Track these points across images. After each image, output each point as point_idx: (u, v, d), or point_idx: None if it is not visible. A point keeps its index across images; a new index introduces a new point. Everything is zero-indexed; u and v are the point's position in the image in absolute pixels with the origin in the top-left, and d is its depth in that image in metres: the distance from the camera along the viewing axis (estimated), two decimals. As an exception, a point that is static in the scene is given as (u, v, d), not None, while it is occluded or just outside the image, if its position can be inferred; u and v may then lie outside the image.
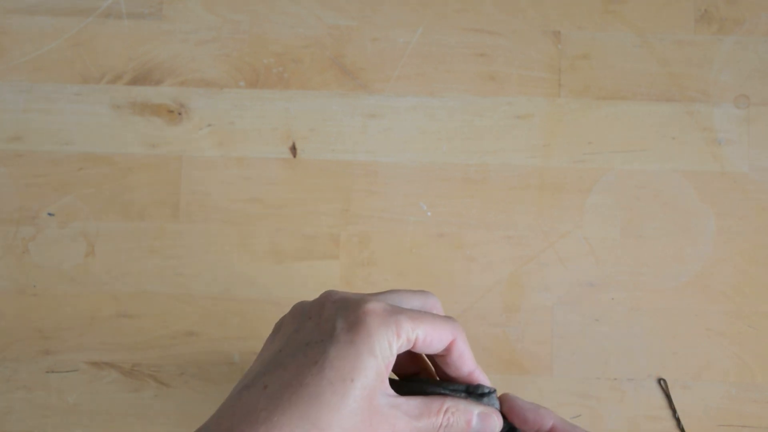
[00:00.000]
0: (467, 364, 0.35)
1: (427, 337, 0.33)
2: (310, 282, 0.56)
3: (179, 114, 0.57)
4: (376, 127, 0.57)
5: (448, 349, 0.34)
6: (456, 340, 0.34)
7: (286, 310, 0.56)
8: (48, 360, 0.56)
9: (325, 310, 0.33)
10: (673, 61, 0.58)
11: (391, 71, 0.58)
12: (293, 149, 0.57)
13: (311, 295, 0.56)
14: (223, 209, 0.57)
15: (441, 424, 0.33)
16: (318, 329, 0.32)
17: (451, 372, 0.35)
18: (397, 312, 0.32)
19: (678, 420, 0.56)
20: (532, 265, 0.57)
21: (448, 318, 0.34)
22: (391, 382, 0.34)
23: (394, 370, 0.37)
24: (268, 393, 0.30)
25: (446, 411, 0.33)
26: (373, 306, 0.32)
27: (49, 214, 0.57)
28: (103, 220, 0.57)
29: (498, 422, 0.34)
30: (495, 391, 0.36)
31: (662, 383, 0.56)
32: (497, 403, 0.35)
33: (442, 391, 0.34)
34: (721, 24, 0.58)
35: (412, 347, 0.33)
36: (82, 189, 0.57)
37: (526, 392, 0.55)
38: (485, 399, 0.35)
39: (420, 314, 0.33)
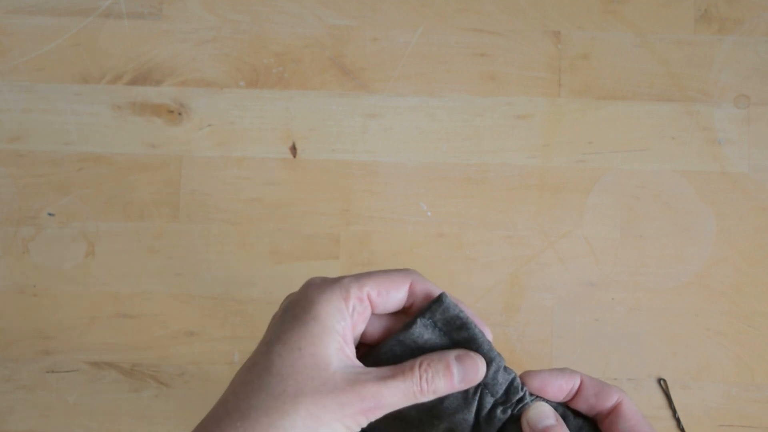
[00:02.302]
0: (434, 293, 0.34)
1: (381, 291, 0.32)
2: (310, 282, 0.56)
3: (179, 114, 0.57)
4: (376, 127, 0.57)
5: (409, 296, 0.33)
6: (413, 283, 0.33)
7: (286, 310, 0.56)
8: (48, 360, 0.56)
9: (287, 298, 0.34)
10: (673, 61, 0.58)
11: (391, 71, 0.58)
12: (293, 149, 0.57)
13: (311, 295, 0.56)
14: (223, 209, 0.57)
15: (420, 378, 0.31)
16: (276, 316, 0.33)
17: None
18: (340, 278, 0.32)
19: (678, 420, 0.56)
20: (532, 265, 0.57)
21: (402, 270, 0.33)
22: (366, 356, 0.33)
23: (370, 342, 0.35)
24: (233, 384, 0.31)
25: (420, 365, 0.31)
26: (314, 279, 0.32)
27: (49, 214, 0.57)
28: (103, 220, 0.57)
29: (481, 365, 0.32)
30: (442, 296, 0.34)
31: (662, 383, 0.56)
32: (443, 307, 0.33)
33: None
34: (721, 24, 0.58)
35: (373, 308, 0.32)
36: (82, 189, 0.57)
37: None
38: (492, 353, 0.33)
39: (366, 273, 0.32)
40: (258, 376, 0.30)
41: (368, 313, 0.32)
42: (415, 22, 0.58)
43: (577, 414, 0.34)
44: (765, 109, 0.58)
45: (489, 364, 0.33)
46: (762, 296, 0.56)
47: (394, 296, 0.32)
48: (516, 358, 0.56)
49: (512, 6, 0.58)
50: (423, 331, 0.33)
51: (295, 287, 0.57)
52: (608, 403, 0.33)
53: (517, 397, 0.33)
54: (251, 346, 0.56)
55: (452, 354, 0.32)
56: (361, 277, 0.32)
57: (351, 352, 0.31)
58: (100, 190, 0.57)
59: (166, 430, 0.55)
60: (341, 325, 0.31)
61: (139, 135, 0.57)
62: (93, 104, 0.57)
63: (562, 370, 0.33)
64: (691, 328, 0.56)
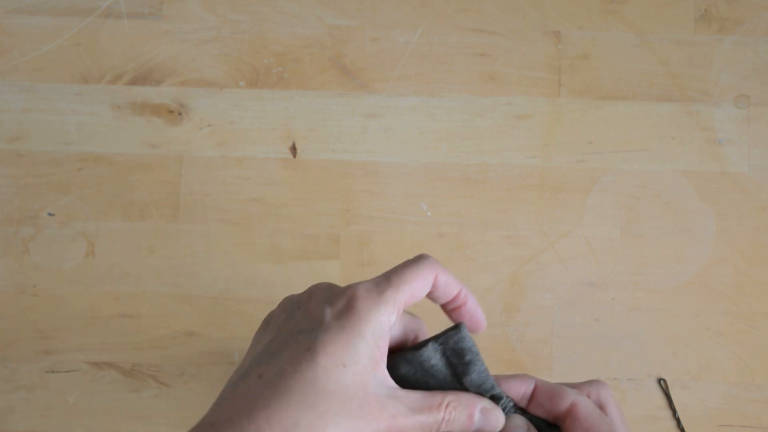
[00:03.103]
0: (453, 287, 0.35)
1: (414, 292, 0.33)
2: (310, 282, 0.56)
3: (179, 114, 0.57)
4: (376, 127, 0.57)
5: (434, 286, 0.34)
6: (437, 275, 0.34)
7: (286, 310, 0.56)
8: (48, 360, 0.56)
9: (314, 299, 0.34)
10: (673, 61, 0.58)
11: (391, 71, 0.58)
12: (293, 149, 0.57)
13: (311, 295, 0.56)
14: (223, 209, 0.57)
15: (443, 419, 0.32)
16: (308, 318, 0.33)
17: (442, 301, 0.36)
18: (381, 287, 0.32)
19: (678, 420, 0.56)
20: (532, 265, 0.57)
21: (420, 259, 0.34)
22: (390, 363, 0.34)
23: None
24: (263, 381, 0.30)
25: (447, 405, 0.32)
26: (360, 290, 0.32)
27: (49, 214, 0.57)
28: (103, 220, 0.57)
29: (501, 419, 0.34)
30: (507, 400, 0.35)
31: (662, 383, 0.56)
32: (459, 336, 0.35)
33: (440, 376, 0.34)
34: (721, 24, 0.58)
35: (407, 307, 0.33)
36: (82, 189, 0.57)
37: (526, 392, 0.55)
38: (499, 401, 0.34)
39: (397, 274, 0.33)
40: (301, 389, 0.29)
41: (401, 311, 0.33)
42: (415, 22, 0.58)
43: (551, 426, 0.35)
44: (765, 109, 0.58)
45: (494, 400, 0.35)
46: (762, 296, 0.56)
47: (422, 293, 0.34)
48: (516, 358, 0.56)
49: (512, 6, 0.58)
50: (431, 356, 0.34)
51: (295, 287, 0.57)
52: (562, 406, 0.34)
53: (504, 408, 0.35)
54: (251, 346, 0.56)
55: (479, 404, 0.33)
56: (398, 284, 0.33)
57: (384, 366, 0.32)
58: (100, 190, 0.57)
59: (166, 430, 0.55)
60: (383, 342, 0.32)
61: (139, 135, 0.57)
62: (93, 104, 0.57)
63: (516, 375, 0.35)
64: (691, 328, 0.56)
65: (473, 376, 0.34)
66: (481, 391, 0.34)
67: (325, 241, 0.57)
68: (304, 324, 0.32)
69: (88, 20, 0.58)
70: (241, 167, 0.57)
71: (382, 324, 0.31)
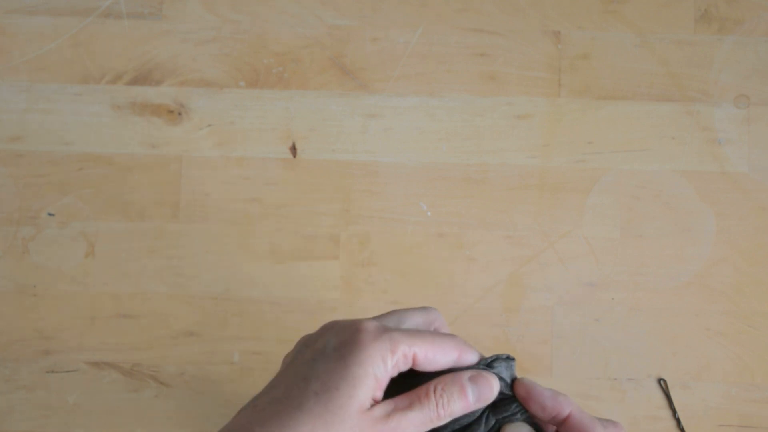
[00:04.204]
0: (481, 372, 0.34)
1: (428, 354, 0.32)
2: (310, 282, 0.56)
3: (179, 114, 0.57)
4: (376, 127, 0.57)
5: (456, 364, 0.33)
6: (461, 354, 0.33)
7: (286, 310, 0.56)
8: (48, 360, 0.56)
9: (322, 336, 0.33)
10: (673, 61, 0.58)
11: (391, 71, 0.58)
12: (293, 149, 0.57)
13: (311, 295, 0.56)
14: (223, 209, 0.57)
15: (437, 404, 0.31)
16: (312, 351, 0.32)
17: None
18: (391, 329, 0.32)
19: (678, 420, 0.56)
20: (532, 265, 0.57)
21: (450, 336, 0.33)
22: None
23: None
24: (256, 410, 0.30)
25: (435, 389, 0.32)
26: (366, 324, 0.32)
27: (49, 214, 0.57)
28: (103, 220, 0.57)
29: (495, 383, 0.33)
30: (508, 357, 0.34)
31: (662, 383, 0.56)
32: (507, 371, 0.34)
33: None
34: (721, 24, 0.58)
35: (414, 365, 0.32)
36: (82, 189, 0.57)
37: (526, 392, 0.55)
38: (495, 367, 0.34)
39: (418, 332, 0.32)
40: (289, 412, 0.29)
41: (408, 367, 0.32)
42: (415, 22, 0.58)
43: None
44: (765, 109, 0.58)
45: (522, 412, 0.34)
46: (762, 296, 0.56)
47: (439, 362, 0.33)
48: (516, 358, 0.56)
49: (512, 6, 0.58)
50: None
51: (295, 287, 0.57)
52: None
53: (506, 414, 0.34)
54: (251, 346, 0.56)
55: (465, 375, 0.33)
56: (414, 335, 0.32)
57: (380, 396, 0.32)
58: (100, 190, 0.57)
59: (166, 430, 0.55)
60: (382, 375, 0.31)
61: (139, 135, 0.57)
62: (93, 104, 0.57)
63: (556, 394, 0.34)
64: (691, 328, 0.56)
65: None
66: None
67: (325, 241, 0.57)
68: (307, 356, 0.32)
69: (88, 20, 0.58)
70: (241, 167, 0.57)
71: (384, 360, 0.31)
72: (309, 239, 0.57)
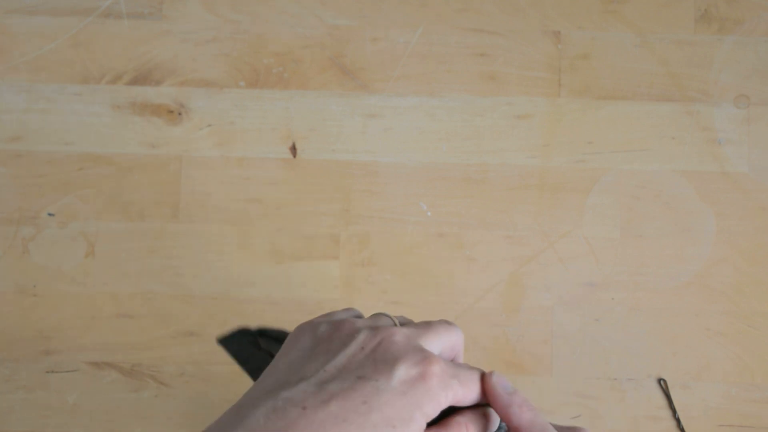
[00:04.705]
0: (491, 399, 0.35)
1: (465, 398, 0.33)
2: (310, 282, 0.56)
3: (179, 114, 0.57)
4: (376, 127, 0.57)
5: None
6: (485, 394, 0.34)
7: (286, 310, 0.56)
8: (48, 360, 0.56)
9: (385, 343, 0.33)
10: (673, 61, 0.58)
11: (391, 71, 0.58)
12: (293, 149, 0.57)
13: (311, 295, 0.56)
14: (223, 209, 0.57)
15: None
16: (373, 365, 0.32)
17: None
18: (453, 375, 0.32)
19: (678, 420, 0.56)
20: (532, 265, 0.57)
21: (478, 372, 0.34)
22: None
23: None
24: (308, 416, 0.29)
25: (467, 427, 0.33)
26: (438, 368, 0.32)
27: (49, 214, 0.57)
28: (103, 220, 0.57)
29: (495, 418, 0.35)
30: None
31: (662, 383, 0.56)
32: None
33: None
34: (721, 24, 0.58)
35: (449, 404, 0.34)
36: (82, 189, 0.57)
37: (526, 392, 0.55)
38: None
39: (467, 376, 0.33)
40: None
41: None
42: (415, 22, 0.58)
43: None
44: (765, 109, 0.58)
45: None
46: (762, 296, 0.56)
47: (470, 400, 0.34)
48: (516, 358, 0.56)
49: (512, 6, 0.58)
50: None
51: (295, 287, 0.57)
52: None
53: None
54: (251, 346, 0.56)
55: (495, 420, 0.34)
56: (464, 382, 0.33)
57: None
58: (100, 190, 0.57)
59: (166, 430, 0.55)
60: (433, 414, 0.32)
61: (139, 135, 0.57)
62: (93, 104, 0.57)
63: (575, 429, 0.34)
64: (691, 328, 0.56)
65: None
66: None
67: (325, 241, 0.57)
68: (367, 370, 0.31)
69: (88, 20, 0.58)
70: (241, 167, 0.57)
71: (440, 404, 0.31)
72: (309, 239, 0.57)
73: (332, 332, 0.34)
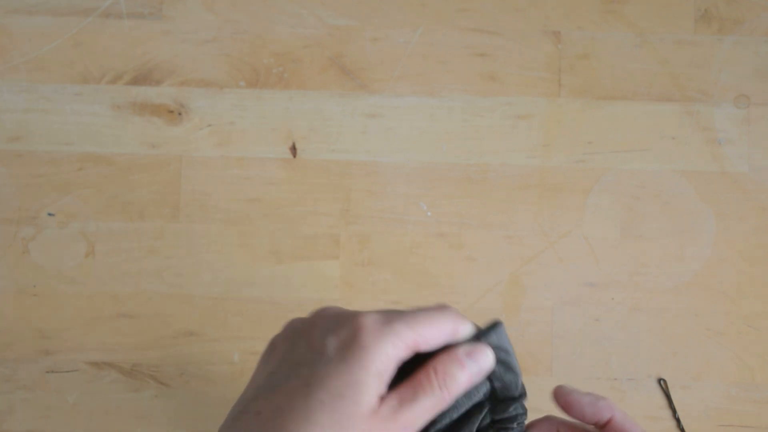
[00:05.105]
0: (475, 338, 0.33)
1: (429, 338, 0.31)
2: (310, 282, 0.56)
3: (179, 114, 0.57)
4: (376, 127, 0.57)
5: (452, 338, 0.33)
6: (456, 327, 0.32)
7: (286, 310, 0.56)
8: (48, 360, 0.56)
9: (317, 328, 0.32)
10: (673, 61, 0.58)
11: (391, 71, 0.58)
12: (293, 149, 0.57)
13: (311, 295, 0.56)
14: (223, 209, 0.57)
15: (440, 387, 0.31)
16: (309, 349, 0.31)
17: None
18: (391, 320, 0.31)
19: (678, 420, 0.56)
20: (532, 265, 0.57)
21: (442, 309, 0.33)
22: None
23: None
24: (261, 419, 0.29)
25: (435, 372, 0.31)
26: (366, 320, 0.31)
27: (49, 214, 0.57)
28: (103, 220, 0.57)
29: (489, 353, 0.32)
30: (495, 324, 0.34)
31: (662, 383, 0.56)
32: (496, 337, 0.33)
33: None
34: (721, 24, 0.58)
35: (415, 350, 0.32)
36: (82, 189, 0.57)
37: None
38: (488, 337, 0.33)
39: (414, 315, 0.32)
40: (294, 423, 0.29)
41: (412, 354, 0.32)
42: (415, 22, 0.58)
43: None
44: (765, 109, 0.58)
45: (521, 397, 0.34)
46: (762, 296, 0.56)
47: (438, 342, 0.32)
48: (516, 358, 0.56)
49: (512, 6, 0.58)
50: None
51: (295, 287, 0.57)
52: None
53: (505, 416, 0.34)
54: (251, 346, 0.56)
55: (461, 352, 0.32)
56: (412, 322, 0.31)
57: (385, 390, 0.31)
58: (100, 190, 0.57)
59: (166, 430, 0.55)
60: (388, 374, 0.30)
61: (139, 135, 0.57)
62: (93, 104, 0.57)
63: (596, 399, 0.33)
64: (691, 328, 0.56)
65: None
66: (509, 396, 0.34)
67: (325, 241, 0.57)
68: (305, 356, 0.31)
69: (88, 20, 0.58)
70: (241, 167, 0.57)
71: (388, 356, 0.30)
72: (309, 239, 0.57)
73: (282, 336, 0.34)
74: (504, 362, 0.33)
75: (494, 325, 0.34)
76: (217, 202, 0.57)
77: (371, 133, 0.57)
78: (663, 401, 0.56)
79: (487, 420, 0.33)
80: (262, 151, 0.57)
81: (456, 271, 0.56)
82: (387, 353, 0.30)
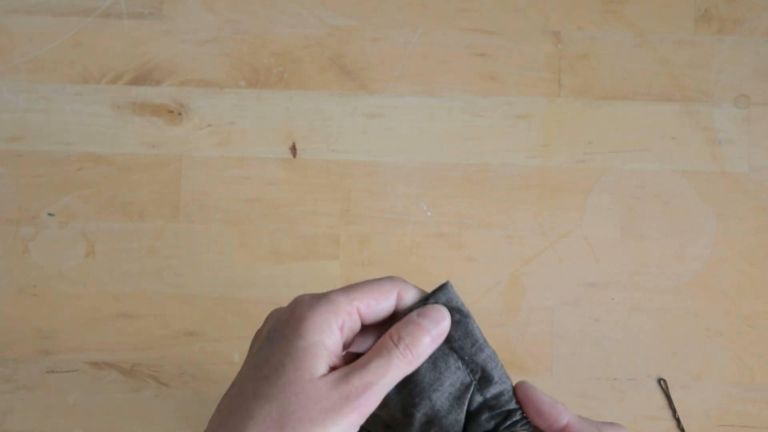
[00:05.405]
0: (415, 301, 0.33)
1: (371, 303, 0.31)
2: (310, 282, 0.56)
3: (179, 114, 0.57)
4: (376, 127, 0.57)
5: (396, 304, 0.32)
6: (400, 291, 0.32)
7: (286, 310, 0.56)
8: (48, 360, 0.56)
9: (265, 323, 0.33)
10: (673, 61, 0.58)
11: (391, 71, 0.58)
12: (293, 149, 0.57)
13: (311, 295, 0.56)
14: (223, 209, 0.57)
15: (399, 347, 0.31)
16: (258, 341, 0.32)
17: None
18: (328, 293, 0.31)
19: (678, 420, 0.56)
20: (532, 265, 0.57)
21: (385, 278, 0.33)
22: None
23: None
24: (220, 413, 0.30)
25: (392, 336, 0.31)
26: (303, 296, 0.32)
27: (49, 214, 0.57)
28: (103, 220, 0.57)
29: (443, 310, 0.32)
30: (442, 286, 0.33)
31: (662, 383, 0.56)
32: (445, 297, 0.33)
33: None
34: (721, 24, 0.58)
35: (363, 320, 0.32)
36: (82, 189, 0.57)
37: (526, 392, 0.55)
38: (438, 299, 0.33)
39: (354, 286, 0.32)
40: (245, 402, 0.29)
41: (358, 326, 0.32)
42: (415, 22, 0.58)
43: None
44: (765, 109, 0.58)
45: (489, 360, 0.33)
46: (762, 296, 0.56)
47: (383, 306, 0.32)
48: (516, 358, 0.56)
49: (512, 6, 0.58)
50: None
51: (295, 287, 0.57)
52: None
53: (512, 420, 0.33)
54: (251, 346, 0.56)
55: (413, 313, 0.32)
56: (349, 290, 0.31)
57: (340, 363, 0.31)
58: (100, 190, 0.57)
59: (166, 430, 0.55)
60: (331, 341, 0.30)
61: (139, 135, 0.57)
62: (93, 104, 0.57)
63: (555, 402, 0.33)
64: (691, 328, 0.56)
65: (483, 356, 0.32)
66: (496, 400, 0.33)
67: (325, 241, 0.57)
68: (255, 347, 0.32)
69: (88, 20, 0.58)
70: (241, 167, 0.57)
71: (327, 324, 0.30)
72: (309, 239, 0.57)
73: (258, 329, 0.34)
74: (461, 325, 0.33)
75: (441, 286, 0.33)
76: (217, 202, 0.57)
77: (371, 133, 0.57)
78: (663, 401, 0.56)
79: (479, 399, 0.33)
80: (262, 151, 0.57)
81: (456, 271, 0.56)
82: (326, 321, 0.30)
